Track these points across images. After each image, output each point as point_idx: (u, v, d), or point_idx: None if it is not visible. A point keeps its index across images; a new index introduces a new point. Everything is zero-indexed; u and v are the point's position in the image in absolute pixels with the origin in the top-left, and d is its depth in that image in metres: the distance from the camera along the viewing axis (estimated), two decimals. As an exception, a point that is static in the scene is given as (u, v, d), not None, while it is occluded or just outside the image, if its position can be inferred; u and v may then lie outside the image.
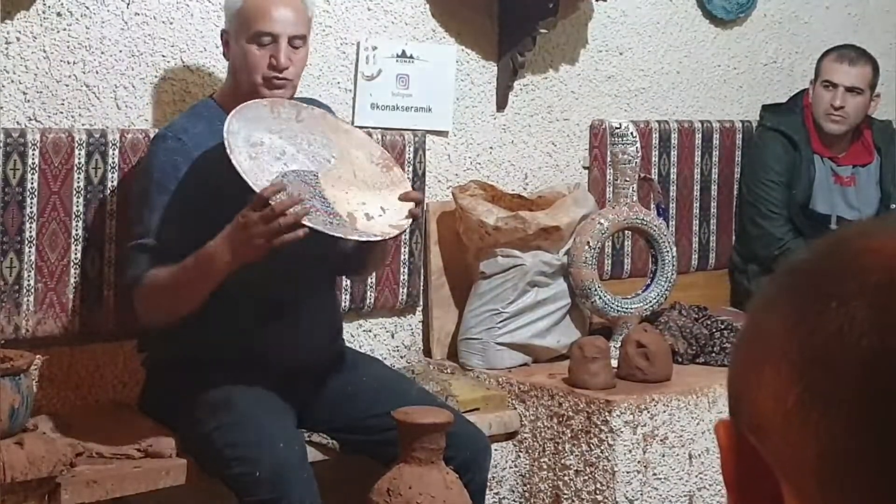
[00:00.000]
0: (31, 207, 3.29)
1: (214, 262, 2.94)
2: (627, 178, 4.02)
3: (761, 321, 0.84)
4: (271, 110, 3.07)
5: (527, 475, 3.77)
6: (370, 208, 3.07)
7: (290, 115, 3.10)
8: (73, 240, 3.36)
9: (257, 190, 2.85)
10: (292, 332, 3.22)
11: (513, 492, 3.79)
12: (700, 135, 4.71)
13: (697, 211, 4.73)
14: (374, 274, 3.80)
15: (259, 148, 2.99)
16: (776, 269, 0.86)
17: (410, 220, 3.09)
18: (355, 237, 3.01)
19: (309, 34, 3.25)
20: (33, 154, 3.28)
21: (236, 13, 3.18)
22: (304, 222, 2.86)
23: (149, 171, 3.16)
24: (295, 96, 3.26)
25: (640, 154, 4.03)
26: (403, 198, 3.11)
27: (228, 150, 2.87)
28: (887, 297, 0.78)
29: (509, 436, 3.77)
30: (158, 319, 3.11)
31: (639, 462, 3.62)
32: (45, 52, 3.38)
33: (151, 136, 3.45)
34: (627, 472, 3.60)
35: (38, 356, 3.25)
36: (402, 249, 3.95)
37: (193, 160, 3.10)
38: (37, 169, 3.29)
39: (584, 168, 4.45)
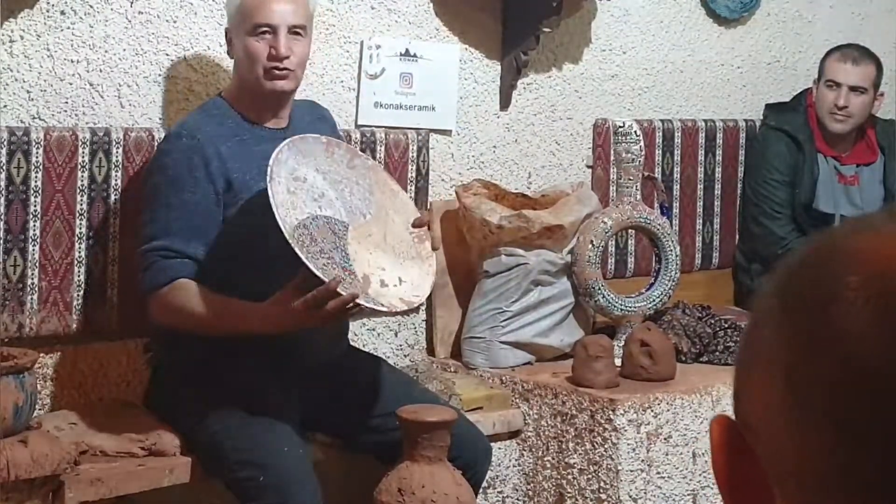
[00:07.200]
0: (34, 206, 3.29)
1: (254, 326, 3.01)
2: (631, 177, 4.02)
3: (755, 321, 0.85)
4: (326, 149, 3.12)
5: (530, 474, 3.76)
6: (387, 276, 3.11)
7: (342, 159, 3.15)
8: (76, 238, 3.36)
9: (282, 225, 2.87)
10: (305, 332, 3.22)
11: (516, 490, 3.79)
12: (703, 134, 4.71)
13: (701, 210, 4.72)
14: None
15: (300, 184, 3.03)
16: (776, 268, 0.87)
17: (422, 300, 3.22)
18: (370, 305, 3.01)
19: (310, 27, 3.28)
20: (37, 152, 3.28)
21: (237, 9, 3.21)
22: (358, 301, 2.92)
23: (163, 170, 3.14)
24: (295, 97, 3.29)
25: (643, 153, 4.03)
26: (416, 223, 3.20)
27: (269, 178, 2.90)
28: (871, 299, 0.78)
29: (513, 434, 3.77)
30: (175, 327, 3.11)
31: (642, 461, 3.61)
32: (48, 50, 3.38)
33: (155, 134, 3.46)
34: (631, 471, 3.60)
35: (41, 354, 3.25)
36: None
37: (208, 159, 3.10)
38: (40, 167, 3.29)
39: (588, 167, 4.44)
